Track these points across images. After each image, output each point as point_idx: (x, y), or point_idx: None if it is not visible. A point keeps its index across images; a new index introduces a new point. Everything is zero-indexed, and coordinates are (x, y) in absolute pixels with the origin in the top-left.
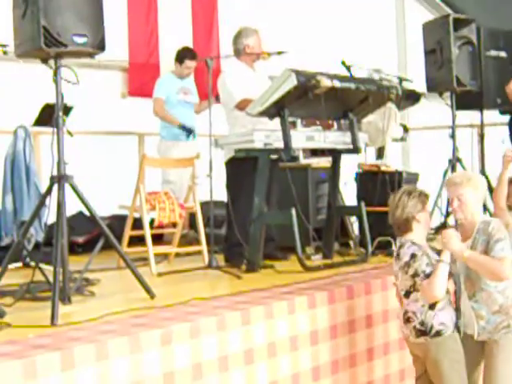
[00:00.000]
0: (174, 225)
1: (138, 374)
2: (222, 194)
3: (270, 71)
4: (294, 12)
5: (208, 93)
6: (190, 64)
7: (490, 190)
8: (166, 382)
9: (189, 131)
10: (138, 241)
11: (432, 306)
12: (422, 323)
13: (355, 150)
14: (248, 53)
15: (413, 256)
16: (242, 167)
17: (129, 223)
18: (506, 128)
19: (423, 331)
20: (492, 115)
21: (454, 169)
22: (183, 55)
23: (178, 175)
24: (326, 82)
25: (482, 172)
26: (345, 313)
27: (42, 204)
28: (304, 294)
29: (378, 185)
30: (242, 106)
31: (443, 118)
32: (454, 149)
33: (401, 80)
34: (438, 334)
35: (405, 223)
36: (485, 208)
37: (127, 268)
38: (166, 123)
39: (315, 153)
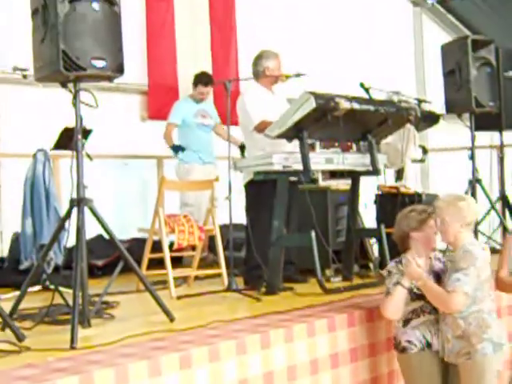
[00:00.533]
0: (194, 248)
1: None
2: (241, 217)
3: (288, 94)
4: (312, 35)
5: (226, 115)
6: (203, 90)
7: (511, 211)
8: None
9: (177, 149)
10: (157, 264)
11: (405, 323)
12: (395, 338)
13: (374, 171)
14: (267, 75)
15: (388, 273)
16: (261, 190)
17: (148, 246)
18: None
19: (395, 346)
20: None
21: (474, 190)
22: (197, 80)
23: (196, 198)
24: (345, 105)
25: (502, 193)
26: (365, 335)
27: (61, 227)
28: (324, 316)
29: (398, 207)
30: (260, 128)
31: (462, 139)
32: (474, 170)
33: (419, 101)
34: (404, 350)
35: (400, 240)
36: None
37: (146, 291)
38: (186, 143)
39: (334, 175)
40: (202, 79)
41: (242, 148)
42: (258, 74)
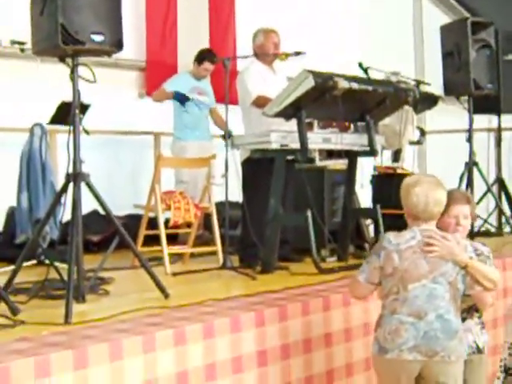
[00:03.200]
0: (189, 225)
1: (151, 374)
2: (237, 195)
3: (289, 72)
4: (312, 15)
5: (225, 93)
6: (209, 66)
7: (507, 195)
8: (179, 382)
9: (182, 98)
10: (152, 240)
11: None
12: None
13: (372, 152)
14: (261, 53)
15: None
16: (258, 168)
17: (144, 223)
18: None
19: None
20: (509, 119)
21: (470, 172)
22: (204, 56)
23: (191, 175)
24: (344, 84)
25: (499, 176)
26: (360, 315)
27: (57, 202)
28: (319, 296)
29: (394, 188)
30: (259, 102)
31: (460, 121)
32: (471, 153)
33: (418, 83)
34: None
35: None
36: None
37: (142, 267)
38: (181, 120)
39: (331, 154)
40: (208, 56)
41: (229, 136)
42: (255, 52)
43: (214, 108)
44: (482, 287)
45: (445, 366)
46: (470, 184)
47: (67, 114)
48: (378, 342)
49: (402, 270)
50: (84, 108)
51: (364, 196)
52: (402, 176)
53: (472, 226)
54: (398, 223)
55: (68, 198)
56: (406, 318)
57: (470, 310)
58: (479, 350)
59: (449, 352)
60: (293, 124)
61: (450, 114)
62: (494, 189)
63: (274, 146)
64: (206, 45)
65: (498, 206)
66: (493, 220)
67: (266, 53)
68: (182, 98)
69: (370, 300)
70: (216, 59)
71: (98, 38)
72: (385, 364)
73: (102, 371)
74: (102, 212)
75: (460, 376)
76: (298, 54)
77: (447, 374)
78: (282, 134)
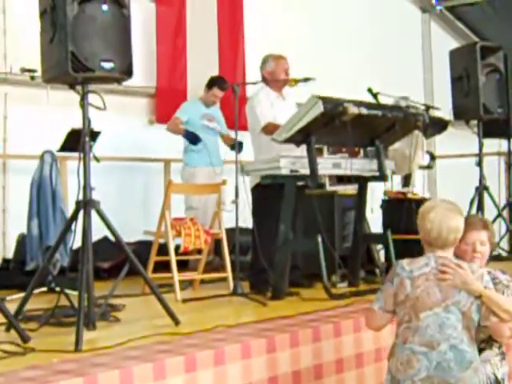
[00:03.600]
0: (200, 251)
1: None
2: (247, 221)
3: (298, 98)
4: (322, 40)
5: (234, 119)
6: (218, 93)
7: None
8: None
9: (193, 137)
10: (163, 267)
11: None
12: None
13: (381, 177)
14: (271, 79)
15: None
16: (268, 193)
17: (154, 249)
18: None
19: None
20: None
21: (480, 197)
22: (214, 82)
23: (201, 201)
24: (353, 109)
25: (509, 200)
26: (371, 341)
27: (67, 229)
28: (329, 321)
29: (405, 212)
30: (268, 130)
31: (470, 145)
32: (481, 177)
33: (427, 107)
34: None
35: None
36: None
37: (152, 294)
38: (191, 146)
39: (341, 180)
40: (219, 82)
41: (240, 145)
42: (264, 79)
43: (227, 135)
44: (498, 318)
45: None
46: (480, 208)
47: (77, 141)
48: (391, 372)
49: (414, 298)
50: (94, 135)
51: (374, 221)
52: (413, 201)
53: (491, 253)
54: (408, 248)
55: (78, 225)
56: (418, 347)
57: (488, 340)
58: (498, 382)
59: (462, 383)
60: (302, 150)
61: (460, 139)
62: (505, 213)
63: (284, 171)
64: (215, 71)
65: (510, 230)
66: (504, 244)
67: (276, 79)
68: (193, 138)
69: None
70: (226, 86)
71: (107, 65)
72: None
73: None
74: (112, 239)
75: None
76: (307, 79)
77: None
78: (291, 160)
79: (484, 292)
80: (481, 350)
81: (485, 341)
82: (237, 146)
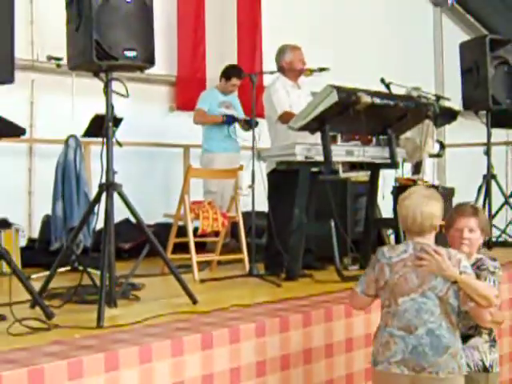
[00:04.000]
0: (217, 233)
1: (178, 376)
2: (263, 205)
3: (313, 88)
4: (336, 32)
5: (252, 107)
6: (236, 82)
7: None
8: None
9: (232, 119)
10: (181, 248)
11: (464, 341)
12: None
13: (393, 164)
14: (288, 69)
15: None
16: (284, 179)
17: (173, 231)
18: None
19: None
20: None
21: (488, 185)
22: (231, 73)
23: (219, 186)
24: (367, 99)
25: None
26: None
27: (90, 211)
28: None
29: None
30: (284, 118)
31: (479, 135)
32: (489, 166)
33: (438, 98)
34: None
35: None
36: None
37: (171, 274)
38: (210, 133)
39: (354, 167)
40: (236, 72)
41: (249, 124)
42: (281, 69)
43: (244, 119)
44: (476, 303)
45: (433, 382)
46: (488, 196)
47: (101, 126)
48: (373, 353)
49: (393, 284)
50: (117, 121)
51: (385, 207)
52: None
53: (488, 240)
54: None
55: (101, 207)
56: (396, 331)
57: (477, 326)
58: (485, 369)
59: (437, 368)
60: (317, 137)
61: (469, 129)
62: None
63: (299, 158)
64: (233, 60)
65: None
66: (511, 231)
67: (293, 69)
68: (231, 120)
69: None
70: (243, 75)
71: (130, 53)
72: (376, 376)
73: (132, 374)
74: (133, 220)
75: None
76: (322, 69)
77: None
78: (306, 147)
79: (459, 277)
80: (469, 336)
81: (473, 327)
82: (253, 125)
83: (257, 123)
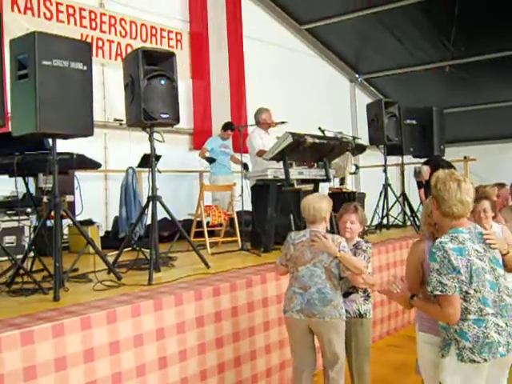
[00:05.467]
0: (221, 225)
1: (199, 313)
2: (249, 207)
3: (277, 134)
4: (291, 98)
5: (239, 146)
6: (230, 132)
7: (408, 203)
8: (216, 319)
9: (210, 160)
10: (199, 234)
11: (345, 296)
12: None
13: (327, 179)
14: (262, 123)
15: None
16: (261, 190)
17: (194, 224)
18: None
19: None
20: (408, 159)
21: (386, 190)
22: (228, 127)
23: (221, 195)
24: (310, 140)
25: (402, 191)
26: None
27: (142, 212)
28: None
29: (340, 200)
30: (260, 153)
31: (380, 160)
32: (386, 178)
33: (354, 138)
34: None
35: None
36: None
37: (193, 250)
38: (214, 164)
39: (304, 181)
40: (231, 126)
41: (245, 166)
42: (257, 122)
43: (233, 155)
44: (351, 272)
45: (322, 324)
46: (385, 197)
47: (147, 161)
48: (284, 305)
49: (295, 257)
50: (158, 157)
51: None
52: (346, 193)
53: (364, 229)
54: None
55: (149, 211)
56: (297, 289)
57: (354, 287)
58: (361, 315)
59: (323, 315)
60: (280, 164)
61: (374, 156)
62: (401, 199)
63: (270, 177)
64: (228, 118)
65: (403, 210)
66: (400, 218)
67: (266, 123)
68: (210, 160)
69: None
70: (234, 127)
71: (164, 116)
72: (285, 320)
73: (170, 313)
74: (169, 218)
75: (339, 331)
76: (282, 123)
77: (325, 330)
78: (274, 170)
79: (338, 254)
80: (350, 293)
81: (353, 287)
82: (242, 166)
83: (246, 165)
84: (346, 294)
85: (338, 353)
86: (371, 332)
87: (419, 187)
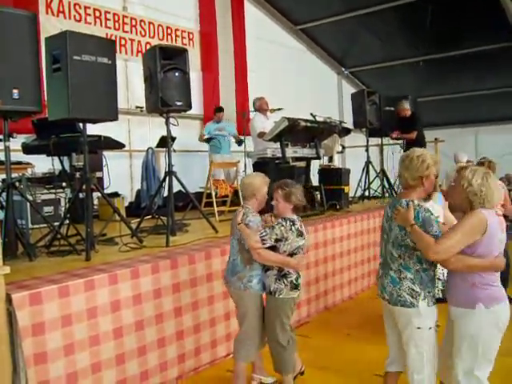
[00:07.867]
0: (227, 196)
1: (209, 270)
2: None
3: (275, 118)
4: (287, 89)
5: (243, 130)
6: (219, 115)
7: (386, 178)
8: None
9: (208, 140)
10: (209, 204)
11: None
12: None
13: (318, 157)
14: (259, 109)
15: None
16: (261, 167)
17: (204, 195)
18: (394, 146)
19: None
20: (386, 140)
21: (367, 167)
22: (218, 110)
23: (225, 171)
24: (303, 124)
25: (381, 168)
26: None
27: (160, 186)
28: None
29: (329, 176)
30: (260, 135)
31: (362, 141)
32: (368, 157)
33: (340, 122)
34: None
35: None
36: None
37: (204, 218)
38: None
39: (298, 159)
40: (218, 109)
41: (240, 142)
42: (257, 109)
43: (236, 136)
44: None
45: (232, 293)
46: (367, 173)
47: (165, 142)
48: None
49: (233, 230)
50: (173, 139)
51: (314, 180)
52: (333, 170)
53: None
54: (331, 193)
55: (166, 184)
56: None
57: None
58: (271, 293)
59: (231, 284)
60: (278, 144)
61: (357, 138)
62: (380, 175)
63: (269, 155)
64: (234, 105)
65: (382, 184)
66: (379, 190)
67: (262, 109)
68: (208, 141)
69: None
70: (222, 109)
71: (179, 103)
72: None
73: (185, 270)
74: (183, 190)
75: (244, 302)
76: (279, 109)
77: (234, 298)
78: (273, 150)
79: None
80: (268, 269)
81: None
82: (237, 142)
83: (242, 140)
84: (266, 270)
85: (239, 322)
86: (287, 311)
87: (392, 130)
